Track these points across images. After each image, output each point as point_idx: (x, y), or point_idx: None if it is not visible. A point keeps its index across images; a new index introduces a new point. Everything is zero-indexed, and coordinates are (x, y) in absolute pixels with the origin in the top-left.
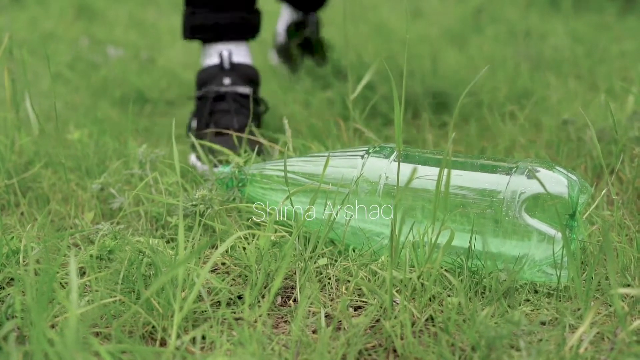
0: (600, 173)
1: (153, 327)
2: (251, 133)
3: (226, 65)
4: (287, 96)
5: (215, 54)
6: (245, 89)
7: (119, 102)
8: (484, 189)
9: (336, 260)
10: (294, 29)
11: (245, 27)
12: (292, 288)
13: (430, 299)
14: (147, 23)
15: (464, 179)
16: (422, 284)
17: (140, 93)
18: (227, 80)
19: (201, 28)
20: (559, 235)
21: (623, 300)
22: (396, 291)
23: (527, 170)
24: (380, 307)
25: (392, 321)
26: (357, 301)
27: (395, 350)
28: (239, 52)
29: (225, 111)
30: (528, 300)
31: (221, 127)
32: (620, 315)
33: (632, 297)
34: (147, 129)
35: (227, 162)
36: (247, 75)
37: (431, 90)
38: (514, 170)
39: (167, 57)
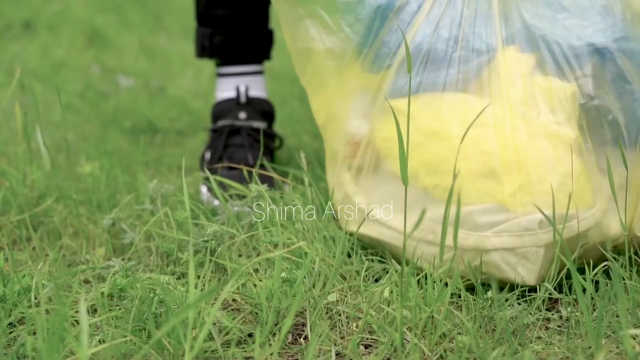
0: None
1: None
2: (262, 167)
3: (242, 99)
4: (296, 126)
5: (232, 87)
6: (260, 124)
7: (129, 132)
8: None
9: (346, 296)
10: None
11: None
12: (303, 325)
13: (441, 337)
14: (157, 50)
15: None
16: (433, 322)
17: (150, 123)
18: (242, 115)
19: (217, 48)
20: None
21: (634, 339)
22: (407, 328)
23: None
24: (391, 346)
25: None
26: (367, 339)
27: None
28: (255, 86)
29: (240, 145)
30: (539, 337)
31: (235, 162)
32: (630, 355)
33: None
34: (158, 159)
35: (238, 198)
36: (263, 109)
37: None
38: None
39: (177, 86)
